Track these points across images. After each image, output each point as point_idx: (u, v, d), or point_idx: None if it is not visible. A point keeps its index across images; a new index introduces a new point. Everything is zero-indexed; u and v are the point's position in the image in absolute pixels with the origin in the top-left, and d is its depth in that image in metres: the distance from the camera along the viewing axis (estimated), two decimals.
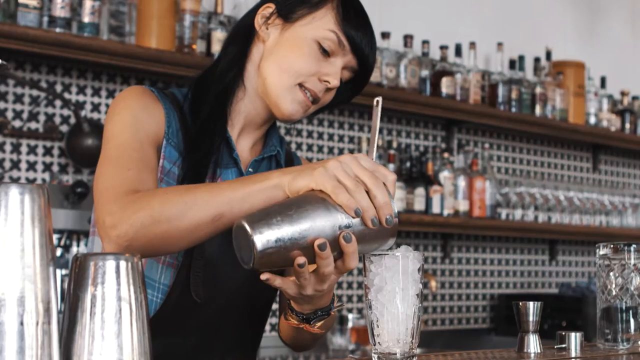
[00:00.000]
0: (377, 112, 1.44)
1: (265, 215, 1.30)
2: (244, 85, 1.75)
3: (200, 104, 1.73)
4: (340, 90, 1.74)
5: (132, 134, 1.62)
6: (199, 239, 1.45)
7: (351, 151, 4.22)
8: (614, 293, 1.77)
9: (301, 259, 1.32)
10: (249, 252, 1.29)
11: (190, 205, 1.42)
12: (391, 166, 4.09)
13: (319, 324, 1.59)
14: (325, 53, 1.67)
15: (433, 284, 4.28)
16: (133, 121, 1.64)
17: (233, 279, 1.71)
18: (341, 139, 4.20)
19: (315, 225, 1.31)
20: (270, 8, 1.72)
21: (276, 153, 1.82)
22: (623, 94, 5.21)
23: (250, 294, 1.75)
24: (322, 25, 1.67)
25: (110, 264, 1.01)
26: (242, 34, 1.76)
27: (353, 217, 1.34)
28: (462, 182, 4.33)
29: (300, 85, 1.68)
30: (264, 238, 1.28)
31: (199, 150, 1.69)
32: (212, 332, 1.72)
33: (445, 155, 4.34)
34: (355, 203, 1.33)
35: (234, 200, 1.40)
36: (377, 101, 1.45)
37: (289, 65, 1.67)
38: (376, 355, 1.40)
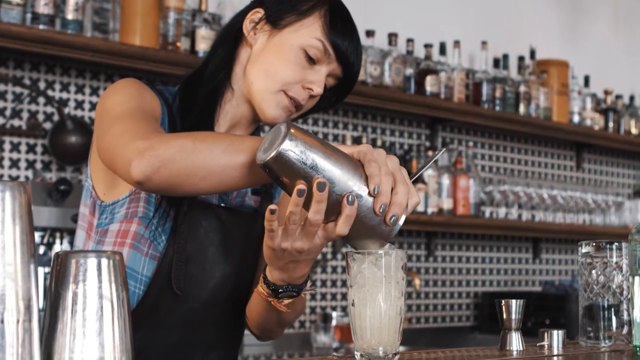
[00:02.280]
0: (437, 155, 1.49)
1: (308, 134, 1.34)
2: (231, 87, 1.77)
3: (190, 104, 1.75)
4: (324, 97, 1.76)
5: (139, 104, 1.62)
6: (227, 183, 1.44)
7: None
8: (596, 291, 1.77)
9: (302, 186, 1.32)
10: (271, 148, 1.32)
11: (235, 145, 1.43)
12: None
13: (286, 301, 1.57)
14: (311, 61, 1.69)
15: (417, 282, 4.29)
16: (137, 95, 1.65)
17: (216, 276, 1.72)
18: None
19: (335, 172, 1.34)
20: (259, 13, 1.74)
21: None
22: (606, 92, 5.23)
23: (234, 291, 1.75)
24: (309, 33, 1.69)
25: (91, 261, 1.01)
26: (231, 37, 1.78)
27: (369, 193, 1.35)
28: (446, 181, 4.34)
29: (284, 92, 1.69)
30: (293, 145, 1.31)
31: None
32: (194, 328, 1.72)
33: (430, 153, 4.35)
34: (379, 181, 1.34)
35: None
36: (442, 150, 1.51)
37: (275, 71, 1.69)
38: (359, 353, 1.40)
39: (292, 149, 1.31)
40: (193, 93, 1.76)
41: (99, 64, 3.31)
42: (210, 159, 1.42)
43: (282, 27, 1.71)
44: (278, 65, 1.69)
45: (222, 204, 1.76)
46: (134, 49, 3.24)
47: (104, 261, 1.01)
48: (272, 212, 1.37)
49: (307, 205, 1.35)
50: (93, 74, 3.46)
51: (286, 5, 1.72)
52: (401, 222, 1.38)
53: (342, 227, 1.36)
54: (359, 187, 1.35)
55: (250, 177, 1.42)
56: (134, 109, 1.59)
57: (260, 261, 1.76)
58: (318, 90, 1.70)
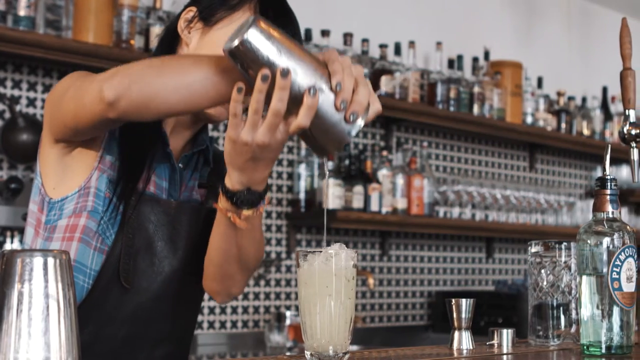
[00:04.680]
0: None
1: (275, 27, 1.35)
2: None
3: None
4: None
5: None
6: (199, 94, 1.43)
7: (290, 148, 4.22)
8: (545, 290, 1.80)
9: (266, 71, 1.31)
10: (236, 37, 1.33)
11: (202, 58, 1.44)
12: (330, 164, 4.10)
13: (246, 212, 1.55)
14: None
15: (371, 281, 4.31)
16: (90, 73, 1.63)
17: (165, 271, 1.72)
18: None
19: (298, 65, 1.34)
20: (192, 12, 1.74)
21: (205, 147, 1.83)
22: (559, 94, 5.29)
23: (183, 286, 1.75)
24: None
25: (37, 260, 1.00)
26: (169, 38, 1.78)
27: (330, 89, 1.35)
28: (400, 180, 4.36)
29: None
30: (258, 32, 1.32)
31: (137, 146, 1.71)
32: (143, 322, 1.72)
33: (384, 153, 4.36)
34: (342, 79, 1.34)
35: None
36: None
37: None
38: (309, 353, 1.40)
39: (258, 36, 1.32)
40: None
41: (52, 61, 3.27)
42: (179, 71, 1.42)
43: (213, 24, 1.70)
44: None
45: (171, 199, 1.75)
46: (87, 46, 3.22)
47: (50, 260, 1.00)
48: (240, 89, 1.36)
49: (270, 99, 1.35)
50: (45, 71, 3.43)
51: (217, 1, 1.71)
52: (361, 122, 1.38)
53: (303, 118, 1.34)
54: (320, 82, 1.35)
55: (221, 85, 1.40)
56: (88, 74, 1.59)
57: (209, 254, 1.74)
58: None
